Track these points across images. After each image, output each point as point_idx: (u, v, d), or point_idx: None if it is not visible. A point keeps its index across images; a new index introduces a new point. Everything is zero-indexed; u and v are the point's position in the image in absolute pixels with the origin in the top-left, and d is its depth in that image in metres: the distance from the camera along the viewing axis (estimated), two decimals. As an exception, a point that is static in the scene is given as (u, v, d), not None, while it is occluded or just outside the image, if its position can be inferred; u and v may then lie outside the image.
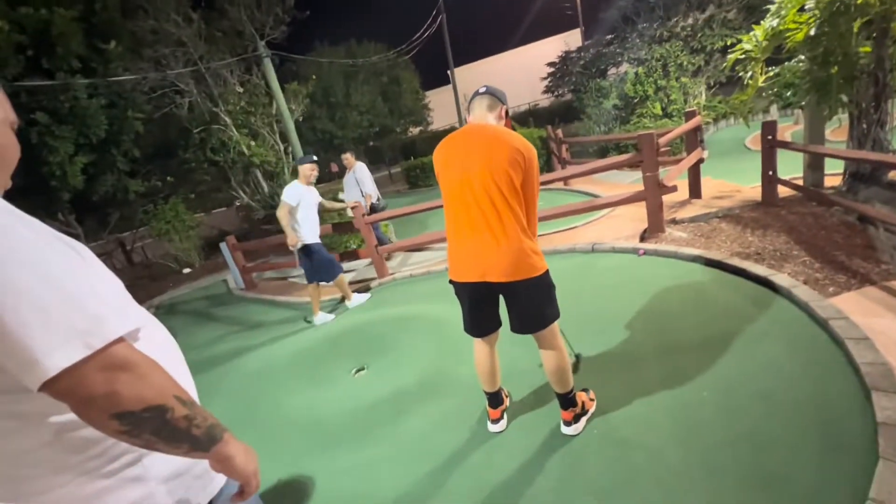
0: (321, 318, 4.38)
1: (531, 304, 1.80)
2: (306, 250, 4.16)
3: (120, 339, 0.66)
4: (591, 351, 2.63)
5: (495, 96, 1.86)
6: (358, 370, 3.17)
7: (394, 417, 2.50)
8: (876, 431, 1.59)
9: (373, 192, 5.88)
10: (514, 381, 2.50)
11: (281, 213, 4.02)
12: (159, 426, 0.67)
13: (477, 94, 1.88)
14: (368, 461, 2.21)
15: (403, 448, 2.23)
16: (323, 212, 4.60)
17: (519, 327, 1.86)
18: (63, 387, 0.61)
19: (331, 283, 4.47)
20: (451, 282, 1.95)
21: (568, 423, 2.01)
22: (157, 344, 0.85)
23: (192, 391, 0.93)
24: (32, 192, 7.32)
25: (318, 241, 4.26)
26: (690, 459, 1.75)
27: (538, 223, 1.93)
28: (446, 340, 3.24)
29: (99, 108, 7.44)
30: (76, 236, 8.75)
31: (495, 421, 2.17)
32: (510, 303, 1.84)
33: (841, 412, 1.79)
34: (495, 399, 2.17)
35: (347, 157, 5.95)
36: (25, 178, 6.99)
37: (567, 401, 1.99)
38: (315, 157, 4.23)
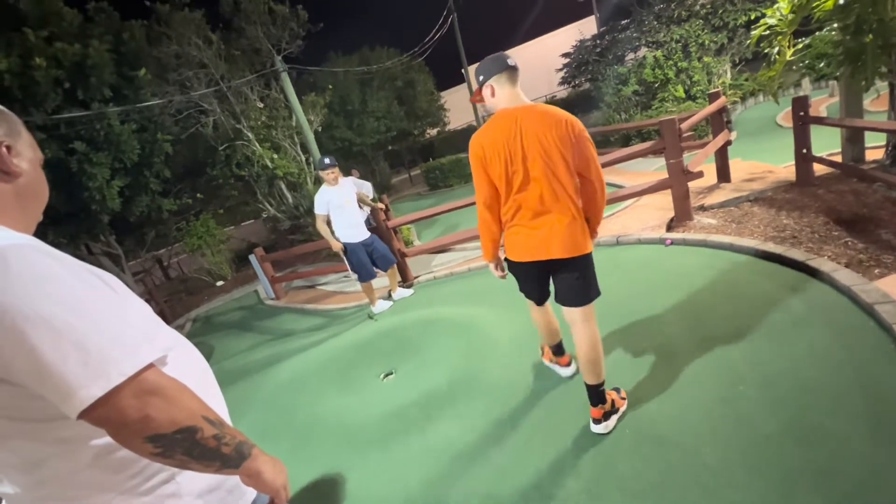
0: (380, 305, 4.54)
1: (582, 278, 1.88)
2: (346, 251, 4.26)
3: (150, 366, 0.69)
4: (622, 347, 2.58)
5: (515, 67, 1.79)
6: (386, 375, 3.20)
7: (423, 420, 2.52)
8: (932, 422, 1.49)
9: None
10: (545, 380, 2.48)
11: (317, 226, 4.24)
12: (190, 446, 0.70)
13: (506, 66, 1.76)
14: (399, 464, 2.23)
15: (433, 451, 2.25)
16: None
17: (571, 299, 1.91)
18: (99, 414, 0.64)
19: (386, 271, 4.61)
20: (509, 261, 2.03)
21: (597, 421, 1.97)
22: (186, 366, 0.88)
23: (222, 409, 0.96)
24: (75, 218, 7.73)
25: (357, 239, 4.32)
26: (730, 457, 1.68)
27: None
28: (473, 342, 3.24)
29: (131, 133, 7.79)
30: (116, 256, 9.22)
31: (566, 365, 2.44)
32: (564, 277, 1.90)
33: (890, 403, 1.69)
34: (559, 349, 2.43)
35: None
36: (68, 203, 7.40)
37: (597, 395, 1.96)
38: (327, 160, 4.26)
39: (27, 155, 0.80)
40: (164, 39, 9.25)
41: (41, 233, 1.43)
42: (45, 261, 0.66)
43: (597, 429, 1.98)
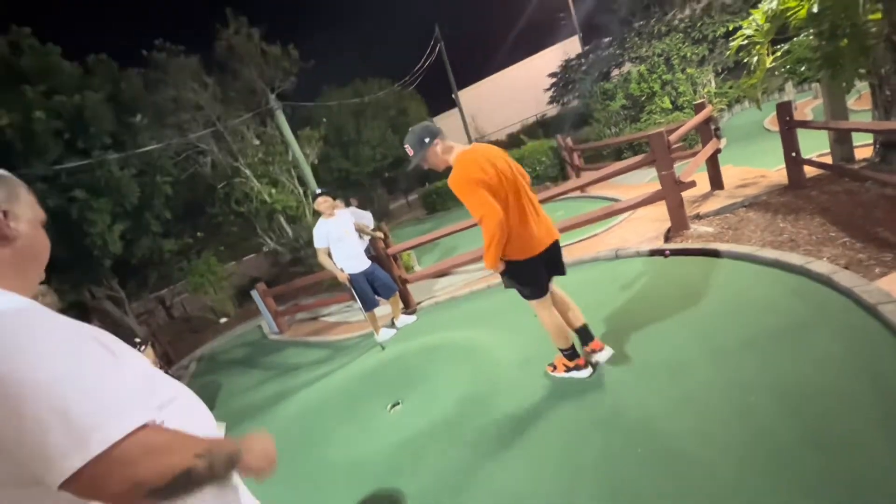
0: (384, 333, 4.51)
1: (560, 251, 2.53)
2: (350, 281, 4.27)
3: (142, 427, 0.68)
4: (631, 362, 2.55)
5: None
6: (393, 406, 3.16)
7: (433, 451, 2.47)
8: (948, 424, 1.47)
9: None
10: (554, 399, 2.44)
11: (320, 259, 4.27)
12: (187, 485, 0.71)
13: (439, 129, 2.34)
14: (406, 497, 2.18)
15: (445, 482, 2.20)
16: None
17: (563, 268, 2.55)
18: (84, 485, 0.62)
19: (388, 299, 4.61)
20: (524, 261, 2.33)
21: (602, 349, 2.61)
22: (187, 416, 0.88)
23: None
24: (77, 264, 7.79)
25: (358, 270, 4.34)
26: (747, 470, 1.64)
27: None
28: (478, 366, 3.21)
29: (130, 177, 7.94)
30: (119, 300, 9.23)
31: (601, 350, 2.61)
32: (555, 254, 2.47)
33: (906, 405, 1.66)
34: (586, 334, 2.62)
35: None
36: (70, 250, 7.46)
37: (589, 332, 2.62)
38: (319, 190, 4.36)
39: (26, 216, 0.81)
40: (161, 85, 9.52)
41: (44, 282, 1.47)
42: (37, 325, 0.66)
43: (603, 355, 2.58)
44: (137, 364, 0.82)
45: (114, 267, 8.58)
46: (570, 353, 2.56)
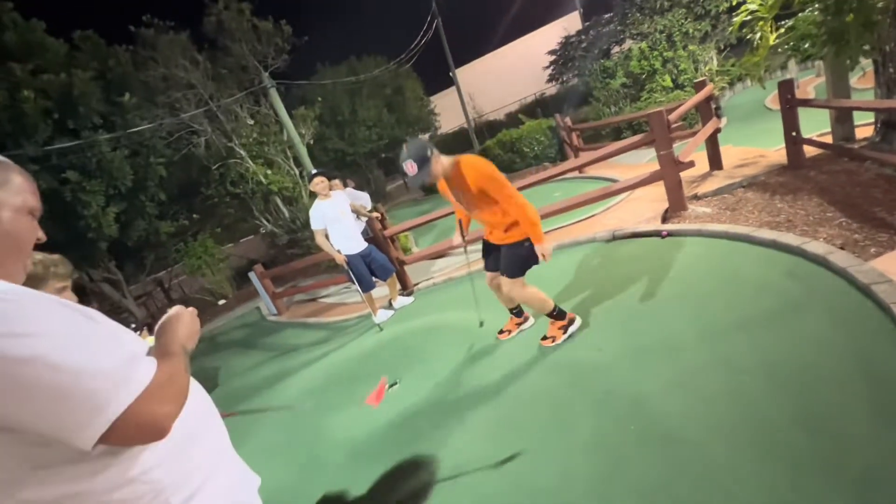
0: (381, 315, 4.52)
1: None
2: (348, 262, 4.26)
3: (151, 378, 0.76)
4: (624, 344, 2.57)
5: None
6: (391, 385, 3.20)
7: (430, 430, 2.51)
8: (935, 403, 1.49)
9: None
10: (550, 379, 2.47)
11: (317, 241, 4.24)
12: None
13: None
14: (408, 475, 2.23)
15: (442, 460, 2.24)
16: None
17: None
18: (118, 437, 0.69)
19: (386, 281, 4.61)
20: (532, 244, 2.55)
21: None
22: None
23: (220, 431, 0.98)
24: (73, 246, 7.73)
25: (357, 250, 4.34)
26: (738, 451, 1.68)
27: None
28: (475, 347, 3.24)
29: (123, 159, 7.80)
30: (117, 282, 9.23)
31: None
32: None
33: (894, 385, 1.68)
34: (519, 310, 3.07)
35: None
36: (65, 233, 7.40)
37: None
38: (315, 171, 4.33)
39: (11, 203, 0.78)
40: (150, 63, 9.27)
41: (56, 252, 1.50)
42: (28, 304, 0.67)
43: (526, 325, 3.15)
44: (132, 339, 0.83)
45: (110, 249, 8.53)
46: (559, 313, 2.75)
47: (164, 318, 0.97)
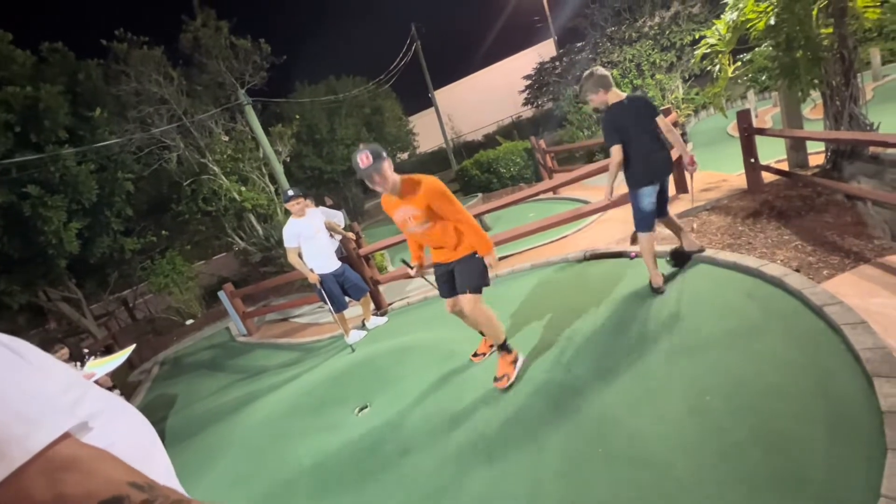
0: (354, 335, 4.44)
1: None
2: (321, 281, 4.17)
3: (63, 437, 0.64)
4: (592, 364, 2.59)
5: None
6: (361, 409, 3.12)
7: (398, 456, 2.45)
8: (882, 421, 1.55)
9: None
10: (520, 401, 2.46)
11: (290, 259, 4.16)
12: None
13: None
14: (373, 502, 2.16)
15: (409, 488, 2.18)
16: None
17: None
18: (4, 500, 0.59)
19: (359, 300, 4.54)
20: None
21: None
22: (120, 430, 0.83)
23: (167, 472, 0.91)
24: (31, 263, 7.37)
25: (330, 269, 4.26)
26: (701, 471, 1.69)
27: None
28: (447, 368, 3.20)
29: (88, 173, 7.55)
30: (76, 301, 8.79)
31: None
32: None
33: (846, 403, 1.74)
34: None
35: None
36: (23, 249, 7.05)
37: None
38: (290, 192, 4.22)
39: None
40: (122, 77, 9.09)
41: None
42: None
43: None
44: (61, 372, 0.76)
45: (70, 266, 8.14)
46: (508, 348, 2.77)
47: None
